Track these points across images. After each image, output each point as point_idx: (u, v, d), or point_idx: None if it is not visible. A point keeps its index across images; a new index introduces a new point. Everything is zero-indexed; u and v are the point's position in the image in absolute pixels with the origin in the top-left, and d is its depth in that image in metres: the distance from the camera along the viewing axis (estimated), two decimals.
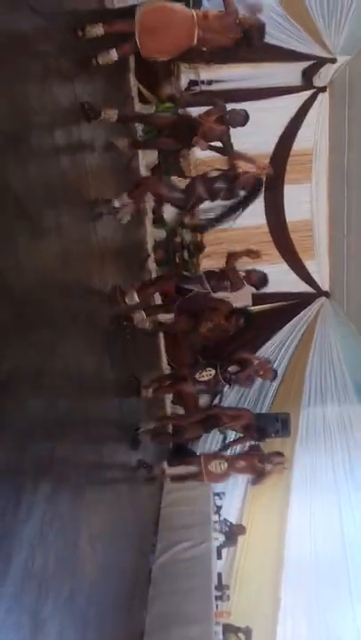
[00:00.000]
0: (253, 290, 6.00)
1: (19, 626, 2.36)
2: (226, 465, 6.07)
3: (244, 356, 5.93)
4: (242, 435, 6.23)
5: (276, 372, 6.07)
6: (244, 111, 4.93)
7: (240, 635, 6.36)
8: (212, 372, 5.67)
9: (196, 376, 5.68)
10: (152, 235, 7.52)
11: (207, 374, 5.66)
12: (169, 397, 8.13)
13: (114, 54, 4.26)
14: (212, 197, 4.94)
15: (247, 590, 7.46)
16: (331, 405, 8.90)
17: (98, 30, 4.02)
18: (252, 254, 5.35)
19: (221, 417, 6.09)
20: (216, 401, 6.88)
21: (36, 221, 2.90)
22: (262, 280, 5.62)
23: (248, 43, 4.31)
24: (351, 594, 7.58)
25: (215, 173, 4.96)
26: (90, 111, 4.01)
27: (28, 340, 2.66)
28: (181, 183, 5.01)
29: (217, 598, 6.10)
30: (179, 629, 5.27)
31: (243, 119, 4.89)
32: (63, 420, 3.11)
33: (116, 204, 4.72)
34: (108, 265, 4.69)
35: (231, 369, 5.68)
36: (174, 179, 5.03)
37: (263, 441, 6.17)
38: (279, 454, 6.27)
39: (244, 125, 4.92)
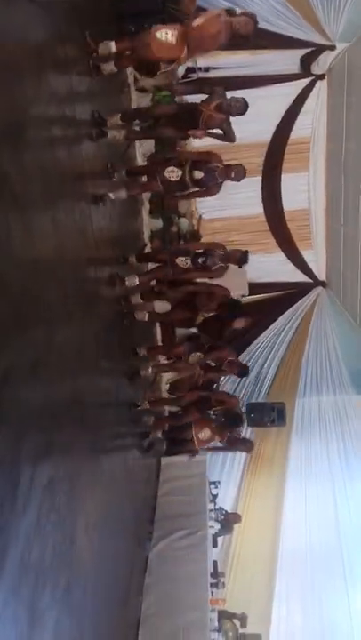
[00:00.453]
0: (248, 278, 6.03)
1: (16, 618, 2.38)
2: (209, 432, 6.28)
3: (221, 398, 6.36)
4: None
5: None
6: (243, 99, 4.87)
7: (235, 621, 6.45)
8: (200, 355, 5.83)
9: (190, 360, 5.83)
10: (148, 224, 7.49)
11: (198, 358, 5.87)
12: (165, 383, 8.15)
13: (112, 46, 4.41)
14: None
15: (243, 577, 7.56)
16: (326, 395, 8.95)
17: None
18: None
19: (211, 399, 6.32)
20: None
21: (32, 211, 2.88)
22: (243, 258, 5.65)
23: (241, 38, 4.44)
24: (345, 580, 7.70)
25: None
26: (99, 119, 4.07)
27: (25, 332, 2.65)
28: (177, 174, 5.00)
29: (212, 585, 6.18)
30: (175, 616, 5.34)
31: (242, 107, 4.83)
32: (59, 410, 3.11)
33: (112, 196, 4.79)
34: (103, 253, 4.67)
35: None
36: (170, 169, 5.01)
37: (236, 428, 6.34)
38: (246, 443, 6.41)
39: (243, 114, 4.87)
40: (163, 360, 6.43)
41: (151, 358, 6.24)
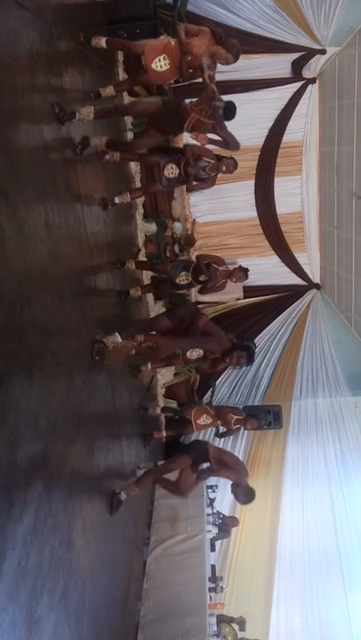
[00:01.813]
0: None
1: (14, 624, 2.36)
2: (210, 420, 6.34)
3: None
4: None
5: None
6: (232, 102, 4.87)
7: (234, 625, 6.42)
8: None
9: (188, 355, 5.80)
10: (142, 229, 7.49)
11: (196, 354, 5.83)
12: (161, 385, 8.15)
13: (103, 43, 4.66)
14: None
15: (241, 581, 7.53)
16: (322, 397, 8.96)
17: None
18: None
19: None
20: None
21: (25, 215, 2.88)
22: (245, 276, 5.86)
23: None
24: (344, 583, 7.68)
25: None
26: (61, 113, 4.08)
27: (20, 336, 2.65)
28: (175, 171, 5.15)
29: (211, 590, 6.15)
30: (174, 621, 5.31)
31: (232, 111, 4.84)
32: (55, 414, 3.10)
33: (117, 200, 5.16)
34: (97, 258, 4.67)
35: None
36: (170, 166, 5.13)
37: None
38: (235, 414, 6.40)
39: (232, 118, 4.86)
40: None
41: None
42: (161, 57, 4.49)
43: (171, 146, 6.01)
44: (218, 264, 5.79)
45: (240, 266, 5.90)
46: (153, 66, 4.52)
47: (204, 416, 6.37)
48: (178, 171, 5.16)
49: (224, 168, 5.21)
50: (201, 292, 6.01)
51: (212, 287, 5.79)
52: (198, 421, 6.39)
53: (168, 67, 4.51)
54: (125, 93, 6.50)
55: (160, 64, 4.51)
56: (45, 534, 2.79)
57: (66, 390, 3.38)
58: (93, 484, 3.94)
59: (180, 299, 6.86)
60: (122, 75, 6.50)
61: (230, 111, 4.61)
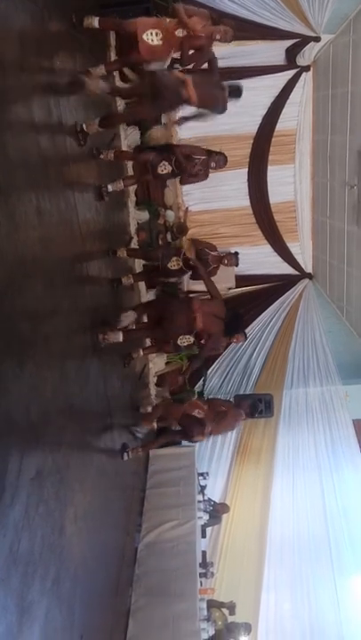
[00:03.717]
0: (235, 271, 6.13)
1: (5, 609, 2.38)
2: (203, 415, 6.34)
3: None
4: None
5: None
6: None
7: (224, 610, 6.49)
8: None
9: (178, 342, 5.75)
10: (135, 216, 7.44)
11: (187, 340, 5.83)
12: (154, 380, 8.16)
13: (95, 22, 4.55)
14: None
15: (231, 567, 7.61)
16: (313, 386, 9.01)
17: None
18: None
19: None
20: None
21: (16, 202, 2.86)
22: (236, 260, 5.96)
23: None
24: (333, 568, 7.78)
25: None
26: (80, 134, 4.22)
27: (11, 324, 2.64)
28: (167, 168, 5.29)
29: (202, 575, 6.21)
30: (164, 606, 5.37)
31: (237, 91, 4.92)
32: (47, 402, 3.10)
33: (110, 188, 5.18)
34: (89, 245, 4.65)
35: None
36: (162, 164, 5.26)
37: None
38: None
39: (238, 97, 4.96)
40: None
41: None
42: (154, 31, 4.39)
43: (165, 144, 6.09)
44: (210, 249, 5.83)
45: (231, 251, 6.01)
46: (144, 37, 4.38)
47: (197, 411, 6.38)
48: (171, 168, 5.30)
49: (213, 164, 5.36)
50: (193, 277, 5.99)
51: (204, 272, 5.75)
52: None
53: (160, 42, 4.41)
54: (118, 79, 6.44)
55: (152, 37, 4.40)
56: (37, 520, 2.80)
57: (58, 378, 3.37)
58: (85, 471, 3.96)
59: (172, 287, 6.84)
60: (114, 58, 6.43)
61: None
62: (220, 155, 5.37)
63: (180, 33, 4.45)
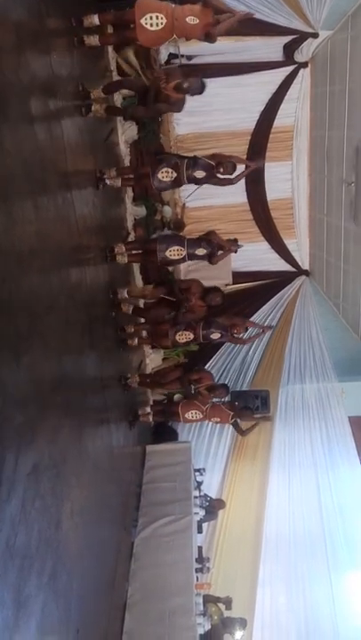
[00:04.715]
0: (231, 267, 6.19)
1: (1, 603, 2.38)
2: (200, 415, 6.51)
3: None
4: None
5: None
6: (201, 80, 4.86)
7: (220, 604, 6.52)
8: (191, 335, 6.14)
9: (177, 338, 6.07)
10: (132, 212, 7.44)
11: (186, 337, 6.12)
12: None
13: (96, 19, 4.47)
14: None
15: (227, 562, 7.63)
16: (310, 382, 9.03)
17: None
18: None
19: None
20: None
21: (13, 197, 2.85)
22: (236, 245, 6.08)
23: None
24: (328, 564, 7.82)
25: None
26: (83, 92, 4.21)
27: (8, 317, 2.64)
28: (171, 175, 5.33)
29: (198, 570, 6.23)
30: (161, 601, 5.39)
31: (199, 87, 4.82)
32: (43, 396, 3.10)
33: (108, 181, 5.21)
34: (86, 240, 4.64)
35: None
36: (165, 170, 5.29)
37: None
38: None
39: (201, 93, 4.88)
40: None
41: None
42: (154, 14, 4.20)
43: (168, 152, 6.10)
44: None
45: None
46: (143, 21, 4.20)
47: (193, 411, 6.43)
48: (175, 175, 5.25)
49: (222, 170, 5.30)
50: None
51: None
52: (186, 415, 6.47)
53: (162, 26, 4.23)
54: (115, 73, 6.43)
55: (152, 22, 4.20)
56: (34, 515, 2.80)
57: (54, 371, 3.37)
58: (82, 466, 3.96)
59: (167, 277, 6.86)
60: (111, 53, 6.42)
61: (203, 86, 4.81)
62: (230, 162, 5.36)
63: (192, 20, 4.28)
